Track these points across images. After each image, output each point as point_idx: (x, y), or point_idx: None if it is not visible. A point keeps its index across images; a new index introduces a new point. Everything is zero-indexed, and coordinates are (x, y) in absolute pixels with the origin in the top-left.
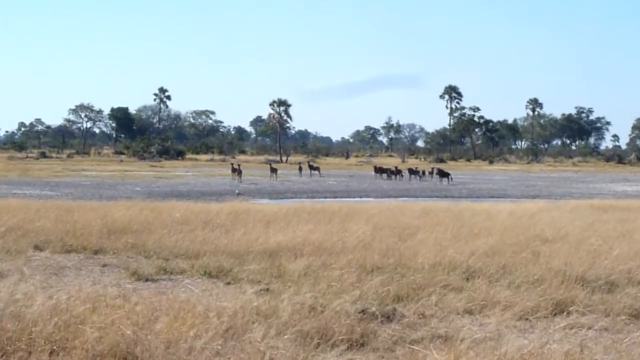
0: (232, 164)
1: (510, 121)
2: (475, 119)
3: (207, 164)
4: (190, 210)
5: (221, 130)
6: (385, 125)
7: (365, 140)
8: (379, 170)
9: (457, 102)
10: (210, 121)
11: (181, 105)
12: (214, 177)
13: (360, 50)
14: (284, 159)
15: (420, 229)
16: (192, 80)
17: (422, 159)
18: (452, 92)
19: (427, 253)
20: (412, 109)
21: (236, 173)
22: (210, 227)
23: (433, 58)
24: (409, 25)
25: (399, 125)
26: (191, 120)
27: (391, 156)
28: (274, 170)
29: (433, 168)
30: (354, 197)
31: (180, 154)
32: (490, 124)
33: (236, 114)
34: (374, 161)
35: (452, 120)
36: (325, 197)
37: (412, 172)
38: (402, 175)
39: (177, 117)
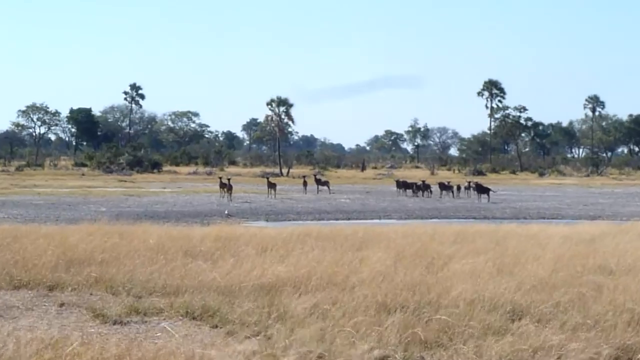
0: (220, 177)
1: (564, 124)
2: (522, 121)
3: (190, 178)
4: (168, 236)
5: (207, 136)
6: (410, 129)
7: (386, 148)
8: (403, 185)
9: (499, 101)
10: (193, 125)
11: (157, 105)
12: (197, 195)
13: (375, 47)
14: (284, 171)
15: (453, 258)
16: (171, 76)
17: (456, 171)
18: (493, 88)
19: (462, 288)
20: (443, 110)
21: (225, 189)
22: (194, 256)
23: (466, 49)
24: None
25: (427, 130)
26: (169, 123)
27: (418, 167)
28: (272, 186)
29: (469, 182)
30: (372, 219)
31: (155, 166)
32: (540, 127)
33: (225, 116)
34: (396, 174)
35: (492, 123)
36: (336, 219)
37: (443, 187)
38: (430, 191)
39: (152, 120)
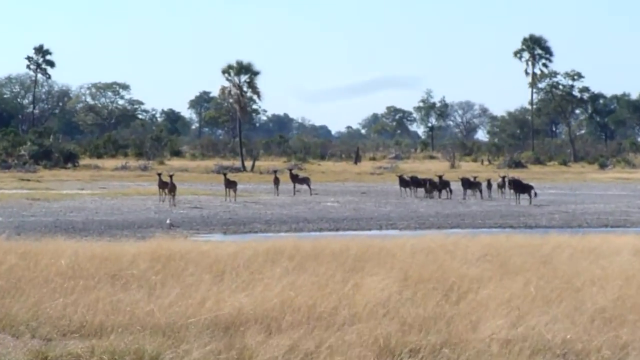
0: (159, 174)
1: (634, 96)
2: (576, 92)
3: (117, 175)
4: (88, 255)
5: (140, 117)
6: (421, 104)
7: (388, 131)
8: (412, 182)
9: (544, 65)
10: (121, 102)
11: (72, 76)
12: (128, 198)
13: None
14: (248, 164)
15: (482, 282)
16: (91, 36)
17: (485, 163)
18: (535, 47)
19: (494, 323)
20: (466, 78)
21: (166, 190)
22: (123, 282)
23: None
24: None
25: (445, 105)
26: (88, 100)
27: (432, 158)
28: (230, 185)
29: (504, 177)
30: (370, 230)
31: (70, 159)
32: (601, 100)
33: (166, 90)
34: (403, 167)
35: (535, 96)
36: (320, 230)
37: (468, 184)
38: (450, 191)
39: (65, 95)
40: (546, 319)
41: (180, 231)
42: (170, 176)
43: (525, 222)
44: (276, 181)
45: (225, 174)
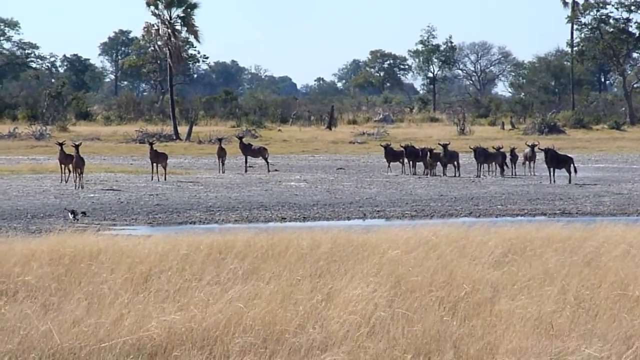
0: (60, 144)
1: None
2: (634, 29)
3: (3, 145)
4: None
5: (34, 66)
6: (420, 46)
7: (374, 84)
8: (406, 153)
9: None
10: (7, 45)
11: None
12: (18, 177)
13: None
14: (182, 131)
15: (501, 291)
16: None
17: (508, 126)
18: None
19: (517, 346)
20: (482, 14)
21: (71, 166)
22: (10, 293)
23: None
24: None
25: (453, 47)
26: None
27: (435, 120)
28: (158, 158)
29: (533, 146)
30: (348, 219)
31: None
32: None
33: (68, 29)
34: (394, 133)
35: (576, 35)
36: (282, 220)
37: (483, 156)
38: (458, 165)
39: None
40: (591, 342)
41: (89, 222)
42: (76, 146)
43: (563, 207)
44: (221, 153)
45: (151, 144)
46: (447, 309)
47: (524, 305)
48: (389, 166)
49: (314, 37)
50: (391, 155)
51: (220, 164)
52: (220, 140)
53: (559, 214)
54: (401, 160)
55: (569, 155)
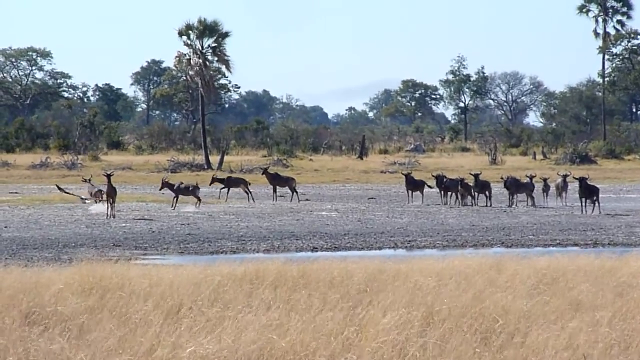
0: (88, 180)
1: None
2: None
3: (35, 174)
4: None
5: (66, 95)
6: (450, 76)
7: (405, 114)
8: (438, 183)
9: (619, 22)
10: (40, 75)
11: None
12: (50, 206)
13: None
14: (214, 160)
15: (534, 321)
16: None
17: (539, 156)
18: None
19: None
20: (514, 45)
21: (101, 195)
22: (41, 323)
23: None
24: None
25: (484, 77)
26: None
27: (466, 150)
28: (188, 190)
29: (565, 176)
30: (380, 248)
31: None
32: None
33: (102, 59)
34: (425, 162)
35: (608, 65)
36: (313, 249)
37: (515, 185)
38: (489, 193)
39: None
40: None
41: (121, 252)
42: (108, 176)
43: (595, 238)
44: (234, 184)
45: (164, 180)
46: (479, 339)
47: (556, 336)
48: (409, 195)
49: (345, 67)
50: (412, 184)
51: (247, 193)
52: (265, 169)
53: (591, 245)
54: (421, 189)
55: (595, 185)
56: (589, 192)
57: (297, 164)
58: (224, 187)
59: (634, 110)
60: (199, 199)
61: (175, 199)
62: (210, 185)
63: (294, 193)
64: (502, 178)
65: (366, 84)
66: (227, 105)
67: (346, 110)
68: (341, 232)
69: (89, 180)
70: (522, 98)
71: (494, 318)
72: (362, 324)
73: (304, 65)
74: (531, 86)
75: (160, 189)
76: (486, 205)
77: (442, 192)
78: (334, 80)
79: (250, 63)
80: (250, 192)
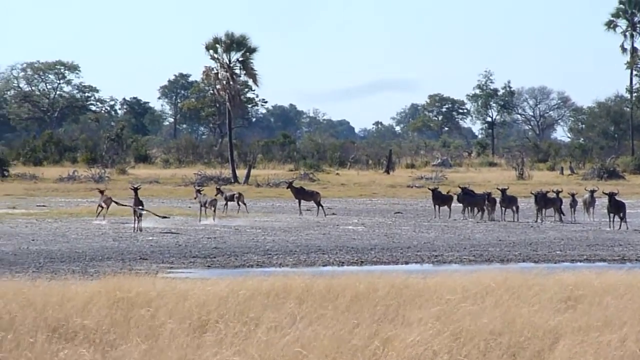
0: (135, 189)
1: None
2: None
3: (62, 187)
4: (19, 299)
5: (94, 109)
6: (477, 91)
7: (432, 128)
8: (465, 197)
9: None
10: (68, 88)
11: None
12: (77, 220)
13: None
14: (240, 174)
15: (562, 337)
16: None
17: (567, 171)
18: (636, 12)
19: None
20: (542, 59)
21: (138, 210)
22: (68, 337)
23: None
24: None
25: (512, 92)
26: (22, 85)
27: (493, 164)
28: (211, 203)
29: (593, 191)
30: (406, 263)
31: None
32: None
33: (129, 72)
34: (452, 177)
35: (636, 80)
36: (340, 264)
37: (543, 201)
38: (516, 208)
39: None
40: None
41: (147, 265)
42: (135, 189)
43: (623, 253)
44: (297, 196)
45: (197, 189)
46: (506, 355)
47: (584, 352)
48: (436, 210)
49: (372, 81)
50: (439, 199)
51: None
52: (290, 182)
53: (619, 260)
54: (448, 204)
55: (622, 200)
56: (617, 207)
57: (324, 178)
58: (301, 198)
59: None
60: (322, 207)
61: (225, 205)
62: (215, 196)
63: (320, 207)
64: (531, 193)
65: (393, 100)
66: (254, 119)
67: (373, 124)
68: (368, 247)
69: (116, 202)
70: (550, 113)
71: (521, 334)
72: (388, 339)
73: (331, 80)
74: (559, 101)
75: (215, 195)
76: (513, 220)
77: (468, 207)
78: (361, 94)
79: (278, 76)
80: (246, 205)
